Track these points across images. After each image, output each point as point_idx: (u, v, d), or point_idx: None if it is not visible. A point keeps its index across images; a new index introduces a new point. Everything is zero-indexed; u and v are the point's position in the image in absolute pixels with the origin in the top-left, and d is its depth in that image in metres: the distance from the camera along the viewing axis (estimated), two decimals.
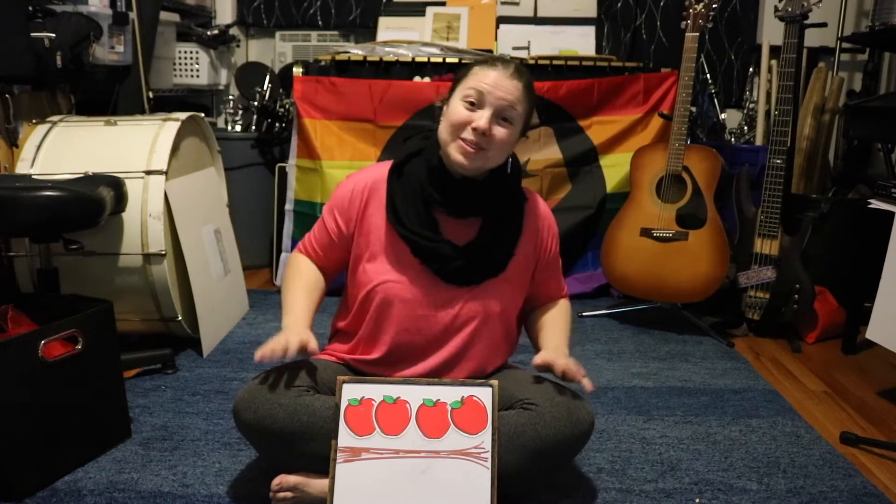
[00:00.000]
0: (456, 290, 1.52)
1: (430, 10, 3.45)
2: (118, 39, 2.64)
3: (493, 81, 1.43)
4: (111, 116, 2.40)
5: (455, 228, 1.52)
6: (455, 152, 1.45)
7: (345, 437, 1.37)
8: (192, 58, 3.47)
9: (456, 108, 1.45)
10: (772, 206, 2.56)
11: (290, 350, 1.40)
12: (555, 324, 1.63)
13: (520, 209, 1.58)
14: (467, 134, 1.43)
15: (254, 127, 3.47)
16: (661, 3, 3.59)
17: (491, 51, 3.21)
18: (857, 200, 2.72)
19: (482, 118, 1.42)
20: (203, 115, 2.57)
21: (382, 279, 1.52)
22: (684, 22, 2.60)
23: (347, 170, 2.85)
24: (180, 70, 3.46)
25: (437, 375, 1.54)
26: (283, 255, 3.06)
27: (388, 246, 1.53)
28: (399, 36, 3.31)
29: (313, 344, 1.44)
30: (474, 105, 1.43)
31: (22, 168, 2.17)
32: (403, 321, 1.53)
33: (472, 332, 1.54)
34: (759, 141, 3.23)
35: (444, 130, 1.47)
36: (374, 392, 1.41)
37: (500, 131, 1.44)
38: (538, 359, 1.47)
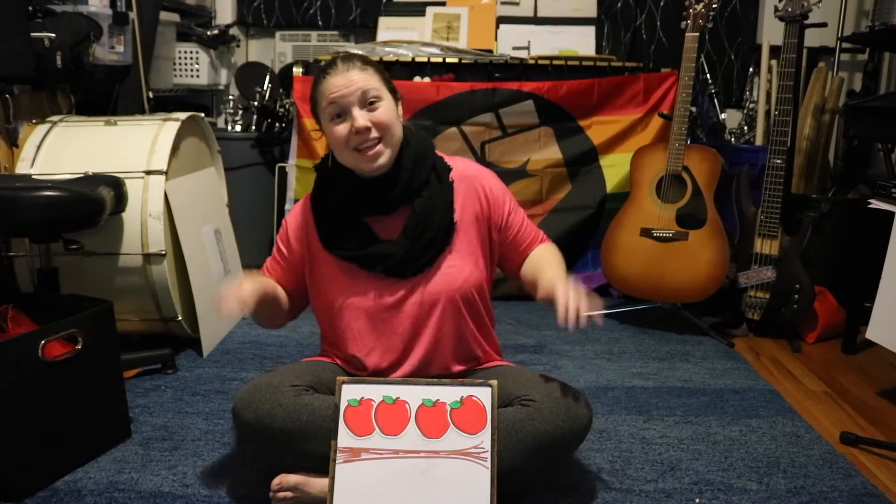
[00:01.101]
0: (412, 280, 1.53)
1: (430, 10, 3.45)
2: (118, 39, 2.64)
3: (336, 86, 1.44)
4: (111, 116, 2.40)
5: (388, 225, 1.54)
6: (363, 163, 1.46)
7: (344, 438, 1.37)
8: (192, 58, 3.47)
9: (331, 131, 1.47)
10: (772, 206, 2.56)
11: (247, 290, 1.44)
12: (542, 262, 1.59)
13: (444, 179, 1.56)
14: (356, 141, 1.44)
15: (254, 127, 3.46)
16: (661, 3, 3.59)
17: (491, 51, 3.21)
18: (857, 200, 2.72)
19: (356, 119, 1.43)
20: (203, 115, 2.57)
21: (341, 300, 1.55)
22: (684, 22, 2.60)
23: None
24: (180, 70, 3.46)
25: (426, 366, 1.56)
26: None
27: (335, 267, 1.56)
28: (399, 36, 3.31)
29: (269, 286, 1.48)
30: (341, 116, 1.45)
31: (22, 168, 2.17)
32: (373, 330, 1.55)
33: (441, 314, 1.54)
34: (759, 141, 3.23)
35: (339, 155, 1.50)
36: (374, 392, 1.41)
37: (377, 114, 1.45)
38: (540, 294, 1.44)
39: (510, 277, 1.68)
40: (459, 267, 1.54)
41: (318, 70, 1.51)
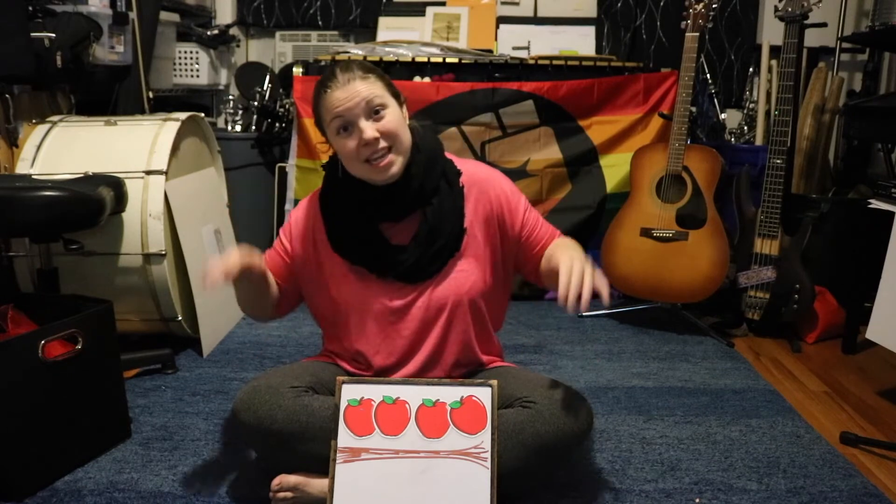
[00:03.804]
0: (421, 285, 1.53)
1: (430, 10, 3.45)
2: (118, 39, 2.64)
3: (339, 100, 1.41)
4: (111, 116, 2.40)
5: (399, 230, 1.53)
6: (374, 174, 1.44)
7: (344, 438, 1.37)
8: (192, 58, 3.47)
9: (340, 144, 1.44)
10: (772, 206, 2.56)
11: (233, 259, 1.40)
12: (556, 249, 1.54)
13: (455, 184, 1.55)
14: (366, 153, 1.42)
15: (254, 127, 3.47)
16: (661, 3, 3.59)
17: (491, 51, 3.21)
18: (857, 200, 2.72)
19: (363, 131, 1.40)
20: (203, 115, 2.57)
21: (348, 301, 1.55)
22: (684, 22, 2.60)
23: None
24: (180, 70, 3.46)
25: (428, 368, 1.56)
26: None
27: (343, 267, 1.55)
28: (399, 36, 3.31)
29: (256, 259, 1.44)
30: (347, 129, 1.42)
31: (22, 168, 2.17)
32: (380, 332, 1.55)
33: (448, 318, 1.54)
34: (759, 141, 3.23)
35: (349, 167, 1.47)
36: (374, 392, 1.41)
37: (383, 123, 1.42)
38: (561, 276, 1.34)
39: (531, 280, 1.65)
40: (468, 272, 1.54)
41: (318, 84, 1.47)
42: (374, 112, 1.42)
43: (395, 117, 1.44)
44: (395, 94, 1.48)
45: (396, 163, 1.44)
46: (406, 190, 1.49)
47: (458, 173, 1.57)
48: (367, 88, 1.42)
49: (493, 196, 1.57)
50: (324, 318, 1.64)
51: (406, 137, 1.47)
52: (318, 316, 1.66)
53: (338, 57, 3.02)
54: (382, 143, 1.42)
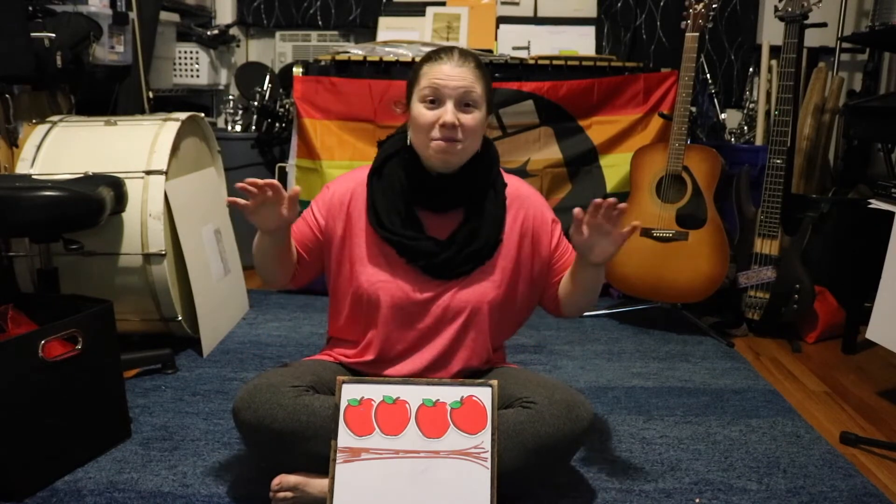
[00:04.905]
0: (445, 283, 1.53)
1: (430, 10, 3.45)
2: (118, 39, 2.65)
3: (444, 74, 1.44)
4: (111, 116, 2.40)
5: (438, 223, 1.53)
6: (433, 153, 1.45)
7: (344, 438, 1.37)
8: (192, 58, 3.47)
9: (419, 112, 1.46)
10: (772, 206, 2.56)
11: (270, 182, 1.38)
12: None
13: (500, 194, 1.57)
14: (437, 132, 1.43)
15: (254, 127, 3.47)
16: (661, 3, 3.59)
17: (491, 51, 3.21)
18: (857, 200, 2.72)
19: (447, 112, 1.43)
20: (203, 115, 2.57)
21: (371, 280, 1.54)
22: (684, 22, 2.60)
23: (347, 170, 2.84)
24: (180, 70, 3.47)
25: (433, 367, 1.56)
26: None
27: (374, 247, 1.55)
28: (399, 36, 3.31)
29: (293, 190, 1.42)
30: (434, 103, 1.44)
31: (22, 168, 2.17)
32: (395, 318, 1.54)
33: (464, 322, 1.54)
34: (759, 141, 3.23)
35: (415, 136, 1.49)
36: (374, 392, 1.41)
37: (467, 118, 1.44)
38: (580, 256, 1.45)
39: (549, 309, 1.65)
40: (494, 282, 1.55)
41: (432, 51, 1.50)
42: (465, 104, 1.45)
43: (480, 119, 1.47)
44: (489, 102, 1.51)
45: (458, 155, 1.46)
46: (457, 184, 1.50)
47: (505, 185, 1.59)
48: (473, 81, 1.45)
49: (532, 214, 1.59)
50: (342, 297, 1.60)
51: (478, 141, 1.50)
52: (336, 294, 1.62)
53: (338, 57, 3.02)
54: (458, 135, 1.44)
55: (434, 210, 1.54)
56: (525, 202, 1.60)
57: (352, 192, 1.58)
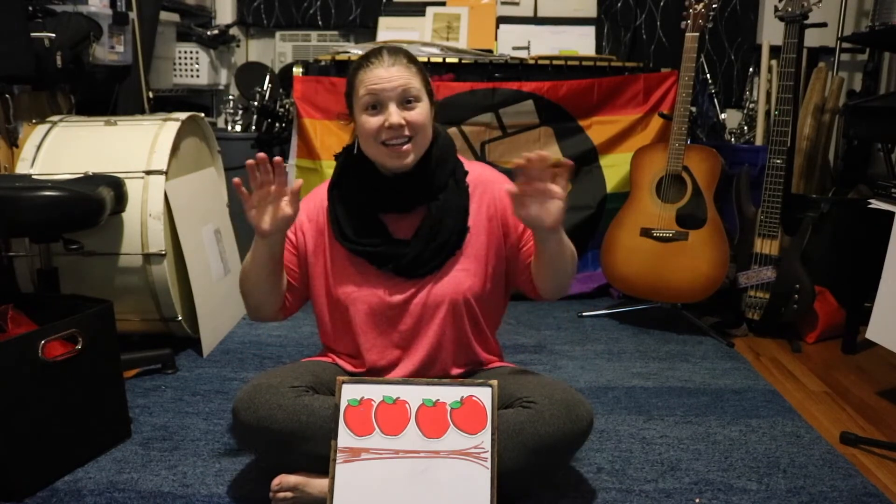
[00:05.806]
0: (420, 281, 1.53)
1: (430, 10, 3.45)
2: (118, 39, 2.65)
3: (379, 77, 1.44)
4: (111, 116, 2.40)
5: (404, 223, 1.54)
6: (388, 158, 1.46)
7: (344, 438, 1.37)
8: (192, 58, 3.47)
9: (364, 120, 1.46)
10: (772, 206, 2.56)
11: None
12: None
13: (461, 182, 1.56)
14: (386, 135, 1.44)
15: (254, 127, 3.47)
16: (661, 3, 3.59)
17: (491, 51, 3.21)
18: (857, 200, 2.72)
19: (391, 114, 1.43)
20: (203, 115, 2.57)
21: (346, 292, 1.55)
22: (684, 22, 2.60)
23: None
24: (180, 70, 3.46)
25: (427, 368, 1.56)
26: None
27: (345, 259, 1.56)
28: (399, 36, 3.31)
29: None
30: (376, 108, 1.45)
31: (22, 168, 2.17)
32: (376, 324, 1.55)
33: (446, 316, 1.54)
34: (759, 141, 3.23)
35: (365, 145, 1.49)
36: (374, 392, 1.41)
37: (412, 114, 1.45)
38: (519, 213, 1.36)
39: (526, 291, 1.60)
40: (468, 271, 1.55)
41: (361, 58, 1.49)
42: (406, 101, 1.45)
43: (424, 112, 1.47)
44: (430, 93, 1.51)
45: (411, 154, 1.46)
46: (415, 182, 1.50)
47: (466, 173, 1.58)
48: (408, 77, 1.45)
49: (497, 196, 1.58)
50: (323, 311, 1.62)
51: (428, 134, 1.50)
52: (318, 310, 1.64)
53: (338, 57, 3.02)
54: (405, 132, 1.44)
55: (398, 211, 1.54)
56: (489, 186, 1.58)
57: (318, 209, 1.60)
